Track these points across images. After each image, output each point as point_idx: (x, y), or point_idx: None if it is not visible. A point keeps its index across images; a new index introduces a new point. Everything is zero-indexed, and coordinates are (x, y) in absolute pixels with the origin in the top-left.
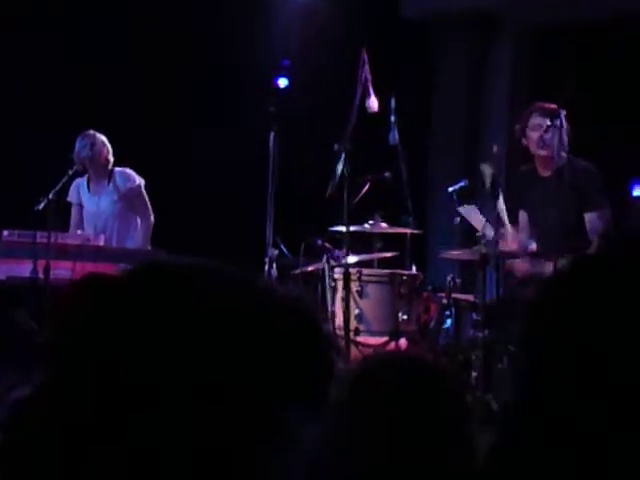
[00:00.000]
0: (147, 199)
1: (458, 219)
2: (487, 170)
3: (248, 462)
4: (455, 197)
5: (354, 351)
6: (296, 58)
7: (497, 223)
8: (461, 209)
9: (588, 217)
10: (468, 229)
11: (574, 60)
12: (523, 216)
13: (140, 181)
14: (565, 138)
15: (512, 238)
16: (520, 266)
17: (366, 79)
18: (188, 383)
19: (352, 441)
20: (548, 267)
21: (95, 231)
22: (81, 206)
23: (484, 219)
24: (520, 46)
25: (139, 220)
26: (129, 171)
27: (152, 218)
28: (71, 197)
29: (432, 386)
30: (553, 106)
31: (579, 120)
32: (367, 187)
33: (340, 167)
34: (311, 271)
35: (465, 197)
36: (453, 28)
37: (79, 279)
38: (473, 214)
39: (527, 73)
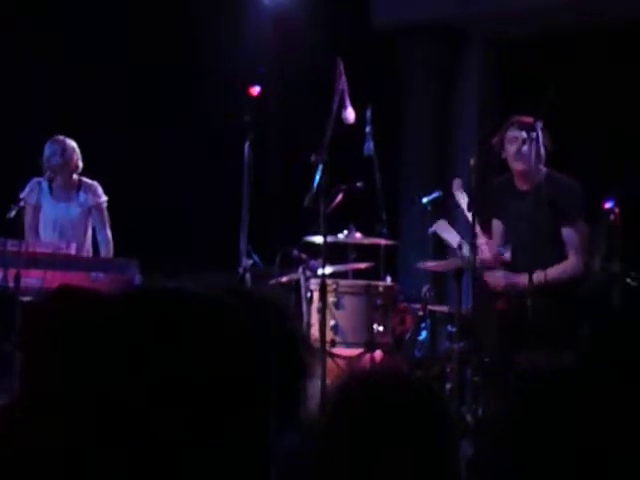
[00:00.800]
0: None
1: (432, 229)
2: (459, 194)
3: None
4: (429, 208)
5: (330, 363)
6: (271, 66)
7: (472, 236)
8: (435, 227)
9: (565, 231)
10: (441, 240)
11: (543, 69)
12: (497, 225)
13: (105, 197)
14: (542, 151)
15: (486, 247)
16: (494, 278)
17: (342, 90)
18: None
19: (326, 463)
20: (522, 279)
21: (59, 238)
22: (37, 207)
23: (457, 236)
24: (488, 56)
25: (98, 234)
26: (97, 184)
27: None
28: (27, 196)
29: (411, 413)
30: (529, 119)
31: (556, 130)
32: (340, 197)
33: (317, 178)
34: (286, 282)
35: (439, 208)
36: (421, 40)
37: (56, 295)
38: (446, 230)
39: (496, 82)
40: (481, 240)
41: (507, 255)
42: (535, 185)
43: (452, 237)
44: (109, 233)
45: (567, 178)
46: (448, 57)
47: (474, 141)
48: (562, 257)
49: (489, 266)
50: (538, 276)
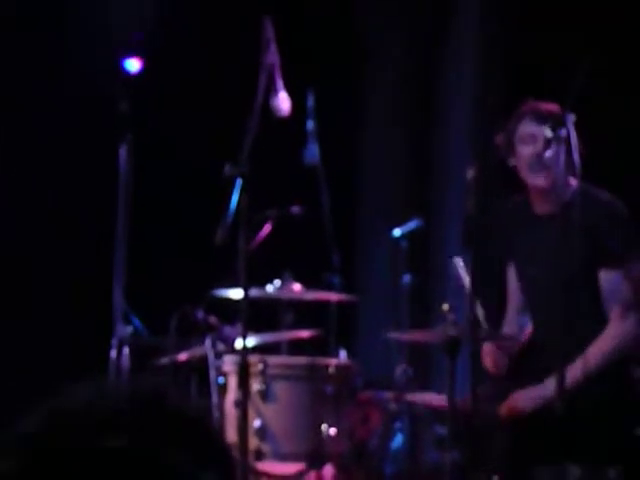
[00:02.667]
0: None
1: (408, 278)
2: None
3: None
4: (404, 244)
5: None
6: (156, 30)
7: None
8: (456, 260)
9: (605, 277)
10: (425, 293)
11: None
12: (513, 276)
13: None
14: (576, 157)
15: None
16: (519, 402)
17: (272, 66)
18: None
19: None
20: (552, 384)
21: None
22: None
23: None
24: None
25: None
26: None
27: None
28: None
29: None
30: (554, 107)
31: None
32: (269, 229)
33: (235, 200)
34: (186, 360)
35: (417, 244)
36: None
37: None
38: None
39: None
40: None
41: (529, 328)
42: (561, 207)
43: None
44: None
45: (610, 198)
46: (428, 12)
47: (471, 140)
48: (602, 318)
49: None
50: (573, 373)
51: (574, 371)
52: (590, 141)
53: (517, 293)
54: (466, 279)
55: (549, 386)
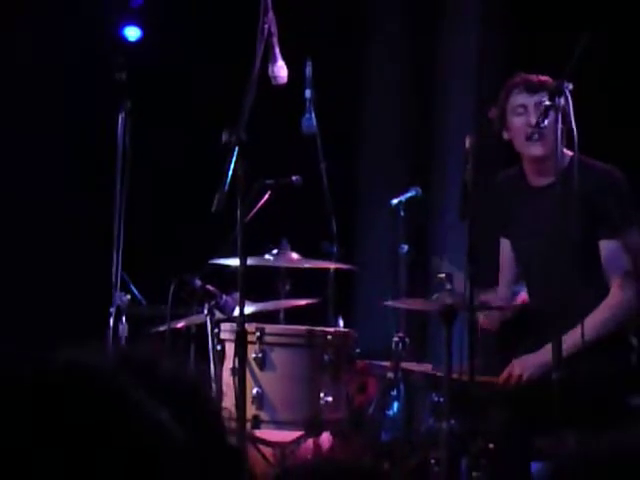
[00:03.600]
0: None
1: (405, 248)
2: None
3: None
4: (402, 213)
5: (252, 452)
6: None
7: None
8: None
9: (606, 246)
10: (421, 261)
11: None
12: (507, 248)
13: None
14: (573, 126)
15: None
16: (518, 366)
17: (270, 33)
18: None
19: None
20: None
21: None
22: None
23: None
24: None
25: None
26: None
27: None
28: None
29: None
30: (545, 78)
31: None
32: (267, 198)
33: (232, 168)
34: (184, 327)
35: (416, 213)
36: None
37: None
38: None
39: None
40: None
41: (523, 295)
42: (557, 177)
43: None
44: None
45: (606, 166)
46: None
47: (470, 109)
48: (602, 288)
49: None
50: (571, 341)
51: (572, 338)
52: (587, 111)
53: (510, 266)
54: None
55: (548, 353)
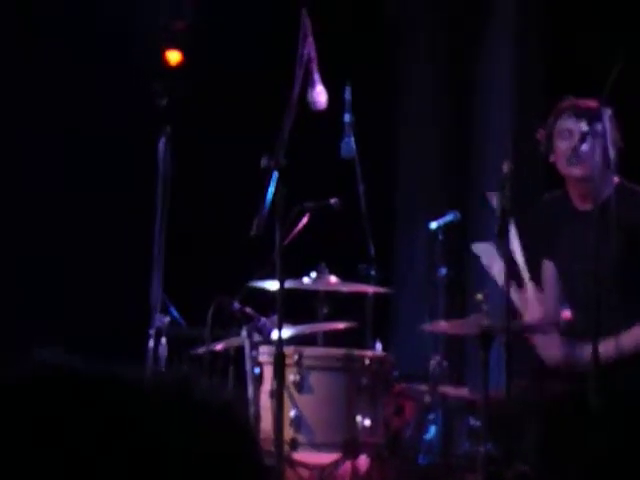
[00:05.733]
0: None
1: (444, 271)
2: (494, 200)
3: None
4: (440, 237)
5: (290, 474)
6: (197, 20)
7: (508, 274)
8: (476, 247)
9: None
10: (461, 286)
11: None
12: (549, 270)
13: None
14: (612, 151)
15: (534, 301)
16: (547, 346)
17: (309, 59)
18: None
19: None
20: (587, 350)
21: None
22: None
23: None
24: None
25: None
26: None
27: None
28: None
29: None
30: (592, 103)
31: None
32: (306, 221)
33: (271, 192)
34: (223, 350)
35: (454, 236)
36: None
37: None
38: (491, 257)
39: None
40: (529, 292)
41: (567, 313)
42: (598, 202)
43: (497, 269)
44: None
45: None
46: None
47: (509, 135)
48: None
49: (538, 330)
50: (606, 346)
51: (607, 347)
52: (629, 136)
53: (552, 286)
54: (495, 266)
55: (584, 350)
